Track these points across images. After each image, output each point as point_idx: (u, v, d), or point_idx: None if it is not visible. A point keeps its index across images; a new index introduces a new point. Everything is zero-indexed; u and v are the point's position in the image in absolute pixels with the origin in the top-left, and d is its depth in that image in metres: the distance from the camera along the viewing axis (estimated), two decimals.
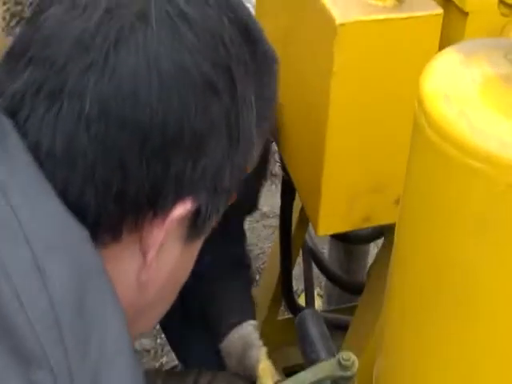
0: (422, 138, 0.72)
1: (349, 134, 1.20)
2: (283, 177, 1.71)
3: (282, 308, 2.16)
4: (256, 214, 3.47)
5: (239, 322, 1.42)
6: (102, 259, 0.68)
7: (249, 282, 1.54)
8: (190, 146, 0.70)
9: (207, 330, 1.46)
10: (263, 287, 2.14)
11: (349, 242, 1.98)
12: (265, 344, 1.95)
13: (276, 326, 2.07)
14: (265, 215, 3.43)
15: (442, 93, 0.72)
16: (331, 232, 1.28)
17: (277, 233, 3.18)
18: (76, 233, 0.66)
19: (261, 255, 3.17)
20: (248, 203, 1.52)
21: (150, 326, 0.86)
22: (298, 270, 2.02)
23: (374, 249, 2.55)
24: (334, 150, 1.20)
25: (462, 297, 0.71)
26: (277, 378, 1.37)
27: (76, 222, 0.66)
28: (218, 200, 0.76)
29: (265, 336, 2.04)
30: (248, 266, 1.54)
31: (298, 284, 2.40)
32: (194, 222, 0.75)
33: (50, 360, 0.59)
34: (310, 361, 1.09)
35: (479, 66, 0.74)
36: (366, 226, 1.30)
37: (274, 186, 3.69)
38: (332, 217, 1.26)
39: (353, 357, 0.98)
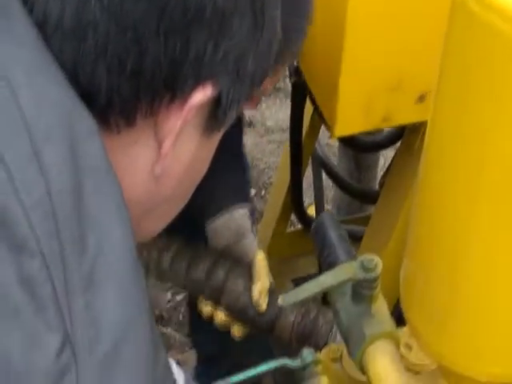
0: (463, 12, 0.65)
1: (368, 28, 1.13)
2: (294, 82, 1.64)
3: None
4: (260, 129, 3.41)
5: (231, 205, 1.35)
6: (113, 152, 0.63)
7: (244, 167, 1.46)
8: (212, 23, 0.64)
9: (197, 212, 1.38)
10: (271, 201, 2.11)
11: (359, 149, 1.92)
12: (274, 256, 1.94)
13: (285, 238, 2.04)
14: (269, 130, 3.37)
15: None
16: (348, 132, 1.22)
17: (282, 147, 3.14)
18: (82, 124, 0.60)
19: (266, 170, 3.12)
20: None
21: (156, 229, 0.80)
22: (304, 184, 1.98)
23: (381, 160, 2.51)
24: (352, 45, 1.13)
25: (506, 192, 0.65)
26: (270, 277, 1.33)
27: (83, 111, 0.61)
28: (240, 88, 0.70)
29: (274, 249, 2.03)
30: (243, 155, 1.46)
31: (304, 197, 2.37)
32: (214, 111, 0.69)
33: (43, 250, 0.55)
34: (328, 264, 1.04)
35: None
36: (385, 126, 1.24)
37: (278, 101, 3.61)
38: (350, 117, 1.20)
39: (376, 258, 0.93)
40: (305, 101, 1.67)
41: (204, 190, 1.34)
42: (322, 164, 1.90)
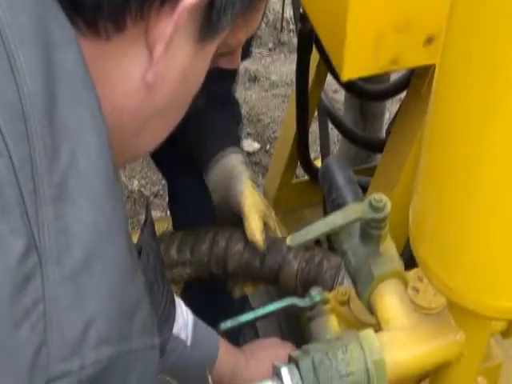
0: None
1: None
2: (300, 29, 1.62)
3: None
4: (265, 84, 3.39)
5: (222, 151, 1.34)
6: (104, 60, 0.62)
7: (235, 116, 1.43)
8: None
9: (194, 164, 1.38)
10: (277, 154, 2.09)
11: (366, 98, 1.90)
12: (280, 207, 1.94)
13: (291, 189, 2.03)
14: (274, 84, 3.34)
15: None
16: (357, 75, 1.20)
17: (286, 102, 3.12)
18: (59, 31, 0.58)
19: (271, 124, 3.10)
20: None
21: (151, 145, 0.78)
22: (309, 138, 1.97)
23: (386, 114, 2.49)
24: None
25: None
26: (264, 210, 1.31)
27: (61, 18, 0.59)
28: None
29: (280, 200, 2.02)
30: (235, 104, 1.45)
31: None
32: (208, 17, 0.67)
33: (10, 151, 0.53)
34: (336, 206, 1.03)
35: None
36: (393, 69, 1.22)
37: (282, 55, 3.58)
38: (358, 59, 1.18)
39: (385, 198, 0.92)
40: (311, 50, 1.65)
41: (198, 138, 1.34)
42: (328, 114, 1.88)
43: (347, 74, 1.19)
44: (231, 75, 1.43)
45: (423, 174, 0.78)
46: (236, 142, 1.38)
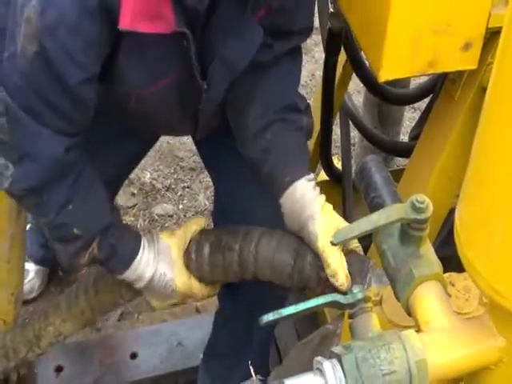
0: None
1: None
2: (329, 29, 1.62)
3: None
4: None
5: (292, 180, 1.35)
6: None
7: (301, 128, 1.42)
8: None
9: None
10: None
11: (390, 101, 1.90)
12: None
13: None
14: None
15: None
16: (394, 77, 1.20)
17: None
18: None
19: None
20: (297, 22, 1.37)
21: None
22: None
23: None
24: None
25: None
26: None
27: None
28: None
29: None
30: (300, 110, 1.43)
31: None
32: None
33: None
34: (374, 206, 1.03)
35: None
36: (430, 72, 1.22)
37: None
38: (396, 60, 1.18)
39: (427, 200, 0.92)
40: (339, 50, 1.65)
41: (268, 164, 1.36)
42: (350, 116, 1.88)
43: (385, 76, 1.19)
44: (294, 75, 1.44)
45: (474, 180, 0.78)
46: (306, 168, 1.39)
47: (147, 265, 1.37)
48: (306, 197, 1.33)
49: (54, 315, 1.54)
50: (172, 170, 2.75)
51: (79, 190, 1.29)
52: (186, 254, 1.40)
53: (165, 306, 1.46)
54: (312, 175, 1.38)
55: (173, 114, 1.42)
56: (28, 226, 1.82)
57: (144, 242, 1.39)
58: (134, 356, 1.97)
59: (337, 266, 1.25)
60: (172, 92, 1.34)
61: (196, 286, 1.40)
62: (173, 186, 2.71)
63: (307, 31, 1.39)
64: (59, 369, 1.93)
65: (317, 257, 1.29)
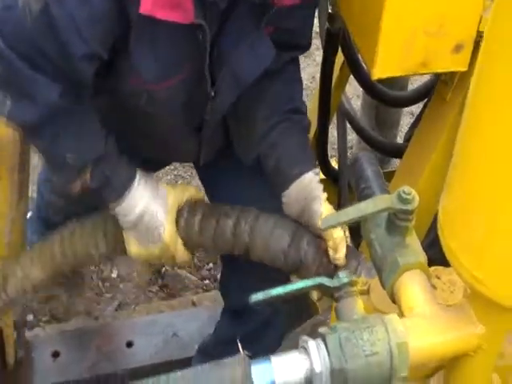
0: None
1: None
2: (327, 29, 1.66)
3: None
4: None
5: (301, 173, 1.41)
6: None
7: (305, 128, 1.50)
8: None
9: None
10: None
11: (388, 103, 1.93)
12: None
13: None
14: None
15: None
16: (387, 75, 1.24)
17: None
18: None
19: None
20: (301, 38, 1.46)
21: None
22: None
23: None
24: None
25: None
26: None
27: None
28: None
29: None
30: (303, 113, 1.50)
31: None
32: None
33: None
34: (364, 197, 1.07)
35: None
36: (422, 71, 1.26)
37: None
38: (389, 59, 1.22)
39: (413, 192, 0.95)
40: (337, 50, 1.69)
41: (272, 159, 1.41)
42: (347, 117, 1.92)
43: (378, 74, 1.23)
44: (296, 79, 1.52)
45: (456, 173, 0.82)
46: (311, 162, 1.45)
47: (141, 198, 1.38)
48: (314, 183, 1.40)
49: (24, 256, 1.51)
50: (172, 167, 2.78)
51: (73, 121, 1.30)
52: (179, 212, 1.42)
53: (142, 255, 1.44)
54: (318, 170, 1.44)
55: (178, 119, 1.45)
56: (29, 215, 1.84)
57: (142, 178, 1.40)
58: (129, 344, 2.01)
59: (340, 240, 1.36)
60: (180, 93, 1.37)
61: (180, 247, 1.42)
62: (173, 183, 2.74)
63: (310, 44, 1.48)
64: (56, 354, 1.97)
65: (315, 236, 1.38)
